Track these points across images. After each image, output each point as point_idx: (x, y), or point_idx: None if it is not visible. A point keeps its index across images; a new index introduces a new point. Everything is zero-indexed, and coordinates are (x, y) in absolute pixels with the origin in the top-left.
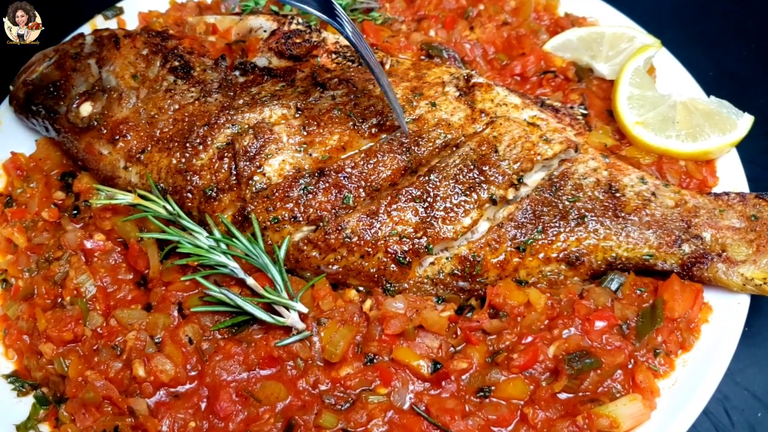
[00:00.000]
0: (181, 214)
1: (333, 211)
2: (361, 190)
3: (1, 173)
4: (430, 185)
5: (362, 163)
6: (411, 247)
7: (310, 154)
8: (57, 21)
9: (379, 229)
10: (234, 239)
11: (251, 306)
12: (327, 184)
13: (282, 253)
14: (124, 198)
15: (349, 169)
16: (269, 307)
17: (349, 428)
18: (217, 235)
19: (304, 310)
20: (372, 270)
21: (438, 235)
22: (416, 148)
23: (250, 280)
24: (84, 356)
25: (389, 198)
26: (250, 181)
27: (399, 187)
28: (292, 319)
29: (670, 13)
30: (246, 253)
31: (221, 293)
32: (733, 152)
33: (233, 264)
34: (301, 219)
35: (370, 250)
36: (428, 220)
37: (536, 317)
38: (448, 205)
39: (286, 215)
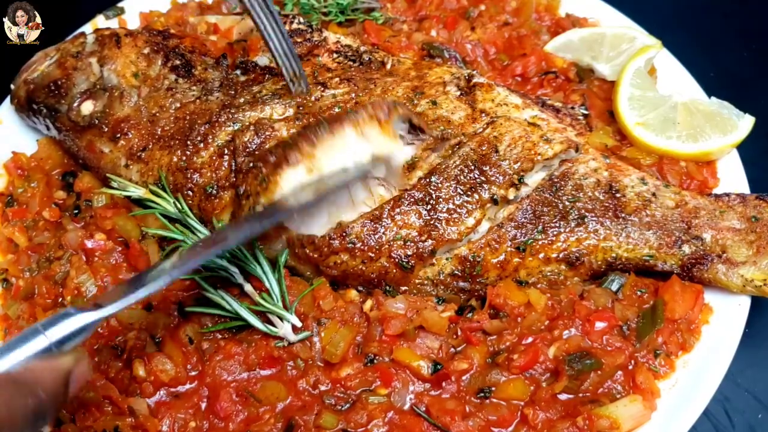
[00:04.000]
0: (189, 213)
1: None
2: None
3: (2, 173)
4: (432, 187)
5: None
6: (415, 251)
7: None
8: (57, 21)
9: (383, 234)
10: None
11: (246, 311)
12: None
13: (282, 260)
14: (136, 191)
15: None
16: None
17: (349, 429)
18: None
19: (298, 323)
20: (372, 275)
21: (442, 237)
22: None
23: (248, 287)
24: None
25: (392, 202)
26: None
27: (401, 192)
28: (284, 330)
29: (671, 14)
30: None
31: (218, 295)
32: (734, 153)
33: (233, 269)
34: (282, 165)
35: (372, 255)
36: (432, 222)
37: (536, 318)
38: (450, 206)
39: (269, 171)
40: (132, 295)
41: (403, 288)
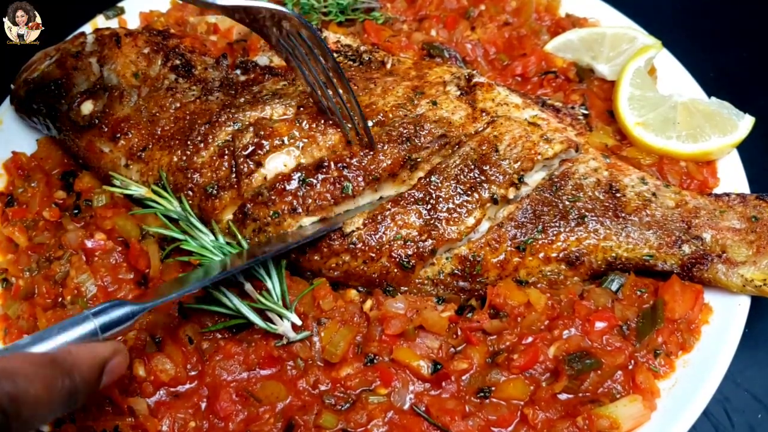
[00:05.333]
0: (191, 212)
1: (332, 200)
2: (360, 179)
3: (2, 172)
4: (432, 187)
5: (361, 152)
6: (415, 250)
7: (311, 152)
8: (57, 21)
9: (384, 234)
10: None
11: (246, 309)
12: (326, 174)
13: (284, 260)
14: (138, 190)
15: (347, 159)
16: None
17: (349, 428)
18: (221, 240)
19: (298, 322)
20: (374, 275)
21: (443, 236)
22: (416, 138)
23: (248, 286)
24: None
25: (391, 202)
26: (249, 178)
27: (402, 192)
28: (284, 327)
29: (671, 14)
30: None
31: (219, 291)
32: (733, 153)
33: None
34: (300, 210)
35: (373, 255)
36: (432, 222)
37: (536, 317)
38: (450, 206)
39: (286, 208)
40: (171, 295)
41: (404, 288)
